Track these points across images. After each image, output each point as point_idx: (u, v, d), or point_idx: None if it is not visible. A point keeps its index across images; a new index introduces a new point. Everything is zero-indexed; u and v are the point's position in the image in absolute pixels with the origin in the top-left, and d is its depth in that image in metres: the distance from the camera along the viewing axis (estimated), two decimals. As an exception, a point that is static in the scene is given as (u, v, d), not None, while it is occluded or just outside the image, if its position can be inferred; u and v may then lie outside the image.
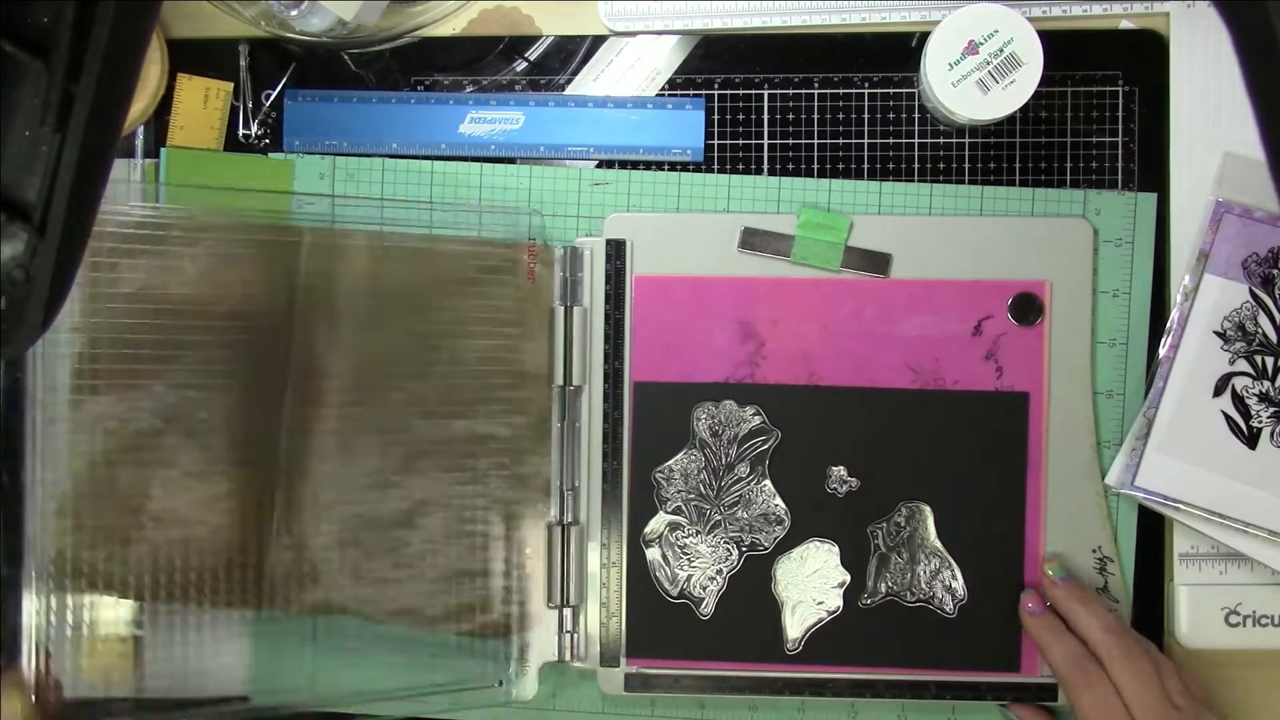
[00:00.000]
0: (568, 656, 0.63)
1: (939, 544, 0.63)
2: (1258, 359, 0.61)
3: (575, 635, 0.63)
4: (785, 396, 0.63)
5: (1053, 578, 0.61)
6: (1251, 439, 0.61)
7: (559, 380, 0.63)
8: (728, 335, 0.63)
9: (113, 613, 0.65)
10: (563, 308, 0.64)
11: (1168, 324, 0.62)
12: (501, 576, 0.64)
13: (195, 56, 0.65)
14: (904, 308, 0.63)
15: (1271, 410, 0.61)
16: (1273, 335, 0.62)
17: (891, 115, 0.64)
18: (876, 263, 0.63)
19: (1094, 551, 0.62)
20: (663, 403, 0.63)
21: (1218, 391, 0.61)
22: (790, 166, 0.64)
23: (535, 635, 0.64)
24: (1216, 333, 0.62)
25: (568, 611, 0.63)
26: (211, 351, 0.64)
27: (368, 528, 0.64)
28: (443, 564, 0.64)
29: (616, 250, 0.64)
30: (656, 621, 0.63)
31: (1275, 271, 0.62)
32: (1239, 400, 0.61)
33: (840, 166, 0.64)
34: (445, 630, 0.64)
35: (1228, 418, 0.61)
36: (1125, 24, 0.64)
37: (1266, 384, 0.61)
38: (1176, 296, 0.62)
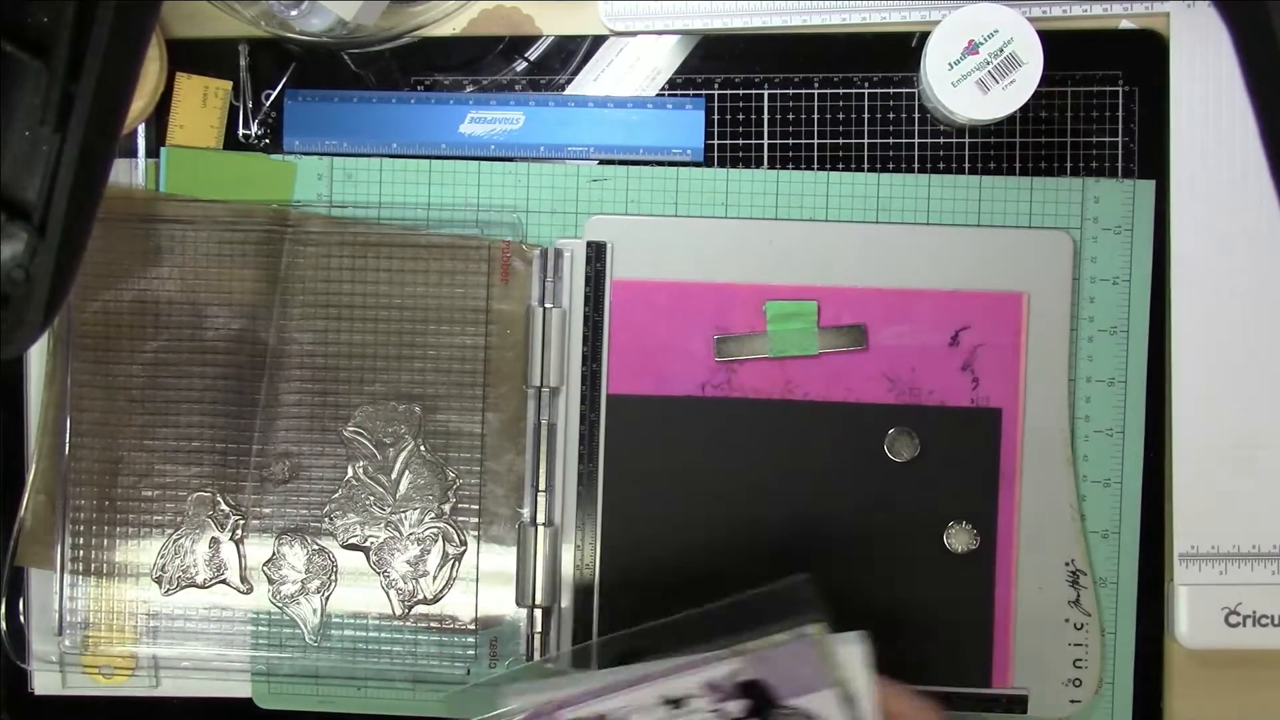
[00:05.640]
0: (537, 657, 0.63)
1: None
2: None
3: (545, 636, 0.63)
4: (758, 411, 0.62)
5: None
6: None
7: (535, 381, 0.63)
8: (705, 343, 0.63)
9: (116, 610, 0.65)
10: (541, 309, 0.63)
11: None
12: (471, 572, 0.64)
13: (195, 56, 0.65)
14: (882, 317, 0.62)
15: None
16: None
17: (891, 115, 0.64)
18: (854, 337, 0.62)
19: (1066, 564, 0.62)
20: (637, 417, 0.63)
21: None
22: (790, 166, 0.64)
23: (502, 633, 0.63)
24: None
25: (538, 613, 0.63)
26: (190, 332, 0.64)
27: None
28: (407, 556, 0.64)
29: (597, 253, 0.63)
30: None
31: None
32: None
33: (840, 166, 0.64)
34: (403, 621, 0.64)
35: None
36: (1125, 24, 0.63)
37: None
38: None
